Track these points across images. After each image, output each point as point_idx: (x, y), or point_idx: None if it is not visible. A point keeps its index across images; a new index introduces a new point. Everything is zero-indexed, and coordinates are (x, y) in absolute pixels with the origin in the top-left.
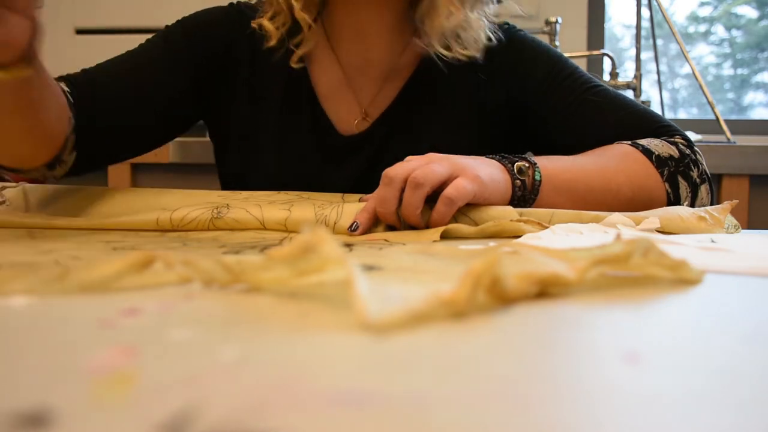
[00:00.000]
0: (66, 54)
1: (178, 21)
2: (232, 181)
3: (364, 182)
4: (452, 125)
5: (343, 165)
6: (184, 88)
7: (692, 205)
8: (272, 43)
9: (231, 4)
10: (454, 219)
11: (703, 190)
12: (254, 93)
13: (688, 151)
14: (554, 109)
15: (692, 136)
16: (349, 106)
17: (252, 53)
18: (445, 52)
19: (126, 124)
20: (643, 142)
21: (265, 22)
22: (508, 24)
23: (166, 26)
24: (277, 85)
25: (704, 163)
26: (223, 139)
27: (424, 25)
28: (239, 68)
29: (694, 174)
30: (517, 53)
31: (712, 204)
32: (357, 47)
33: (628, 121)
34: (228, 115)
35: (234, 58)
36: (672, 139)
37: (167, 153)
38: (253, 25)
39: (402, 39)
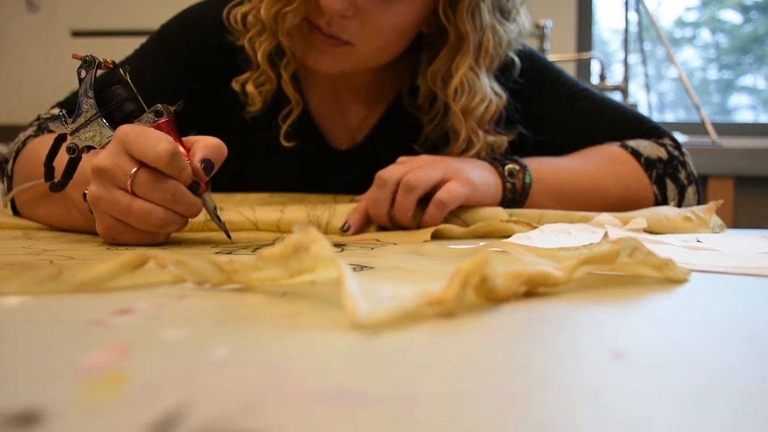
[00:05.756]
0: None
1: (175, 20)
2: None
3: (353, 192)
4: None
5: (335, 177)
6: (186, 91)
7: (679, 206)
8: (256, 107)
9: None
10: (445, 219)
11: (690, 191)
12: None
13: (676, 153)
14: (542, 116)
15: (679, 137)
16: (337, 124)
17: (241, 65)
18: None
19: None
20: (632, 143)
21: (250, 88)
22: None
23: (162, 27)
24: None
25: (691, 165)
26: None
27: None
28: (231, 76)
29: (682, 176)
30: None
31: (698, 205)
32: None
33: (617, 124)
34: (222, 123)
35: (227, 66)
36: (660, 141)
37: None
38: (235, 87)
39: (392, 74)
